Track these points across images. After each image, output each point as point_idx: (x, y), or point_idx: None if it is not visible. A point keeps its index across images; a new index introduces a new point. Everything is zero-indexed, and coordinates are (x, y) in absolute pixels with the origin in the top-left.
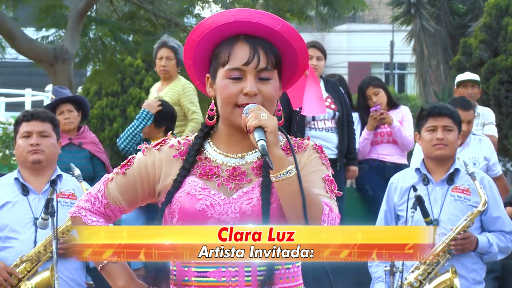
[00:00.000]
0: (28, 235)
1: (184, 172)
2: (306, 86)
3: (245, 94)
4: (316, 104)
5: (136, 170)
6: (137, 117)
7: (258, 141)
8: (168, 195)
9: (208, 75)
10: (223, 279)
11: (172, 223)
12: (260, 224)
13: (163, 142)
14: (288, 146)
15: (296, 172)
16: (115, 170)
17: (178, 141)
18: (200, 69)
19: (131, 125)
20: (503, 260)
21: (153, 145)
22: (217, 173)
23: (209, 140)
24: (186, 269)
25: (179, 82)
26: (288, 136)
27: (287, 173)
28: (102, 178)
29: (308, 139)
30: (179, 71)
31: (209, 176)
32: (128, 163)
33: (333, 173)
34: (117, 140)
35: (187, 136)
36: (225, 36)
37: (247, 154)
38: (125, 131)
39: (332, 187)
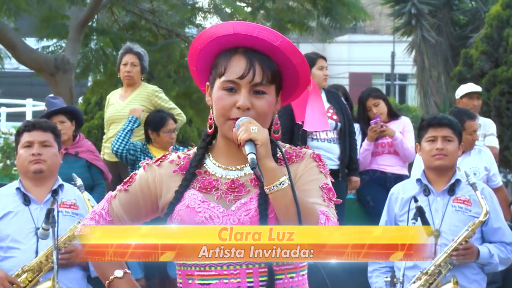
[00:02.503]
0: (30, 245)
1: (186, 183)
2: (308, 101)
3: (237, 107)
4: (318, 119)
5: (138, 186)
6: (125, 122)
7: (248, 154)
8: (170, 205)
9: (208, 83)
10: None
11: None
12: None
13: (163, 157)
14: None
15: (289, 183)
16: (118, 187)
17: (178, 156)
18: (203, 76)
19: (120, 130)
20: (504, 271)
21: (154, 161)
22: (216, 186)
23: (209, 153)
24: (190, 281)
25: (147, 88)
26: (282, 148)
27: (280, 184)
28: (106, 195)
29: (307, 148)
30: (142, 78)
31: (208, 189)
32: (130, 180)
33: (332, 180)
34: (111, 146)
35: (188, 150)
36: (225, 47)
37: (245, 166)
38: (116, 136)
39: (330, 195)
